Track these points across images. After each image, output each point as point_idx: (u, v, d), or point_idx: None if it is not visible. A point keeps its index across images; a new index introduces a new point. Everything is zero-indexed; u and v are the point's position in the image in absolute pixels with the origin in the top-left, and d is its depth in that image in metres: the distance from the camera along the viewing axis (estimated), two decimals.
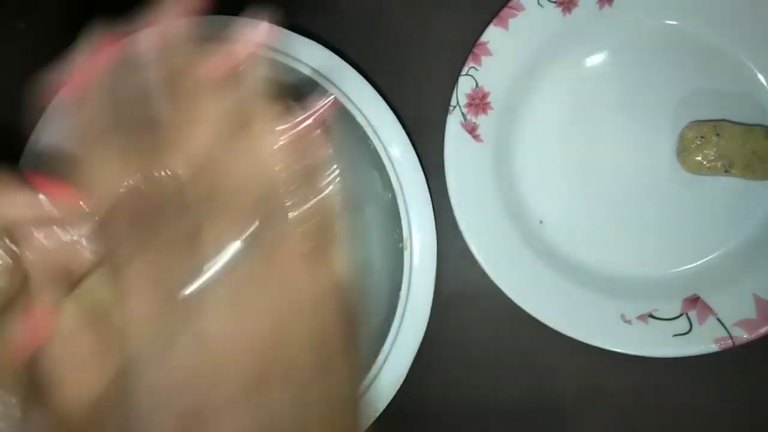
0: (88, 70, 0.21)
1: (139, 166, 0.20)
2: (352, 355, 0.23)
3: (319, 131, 0.23)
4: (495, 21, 0.41)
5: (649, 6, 0.41)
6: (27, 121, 0.42)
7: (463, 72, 0.42)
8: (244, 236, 0.20)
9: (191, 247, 0.20)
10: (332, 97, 0.24)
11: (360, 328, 0.23)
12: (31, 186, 0.21)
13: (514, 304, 0.40)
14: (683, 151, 0.40)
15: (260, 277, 0.21)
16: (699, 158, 0.40)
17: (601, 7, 0.41)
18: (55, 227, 0.21)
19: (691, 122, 0.40)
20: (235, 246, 0.20)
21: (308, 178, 0.22)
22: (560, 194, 0.43)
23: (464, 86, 0.42)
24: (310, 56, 0.40)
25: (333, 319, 0.22)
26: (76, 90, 0.21)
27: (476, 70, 0.42)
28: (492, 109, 0.42)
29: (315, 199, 0.22)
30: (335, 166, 0.23)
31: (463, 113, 0.42)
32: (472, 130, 0.42)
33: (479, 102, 0.42)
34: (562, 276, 0.41)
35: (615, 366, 0.41)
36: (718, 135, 0.39)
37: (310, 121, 0.23)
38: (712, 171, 0.40)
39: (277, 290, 0.21)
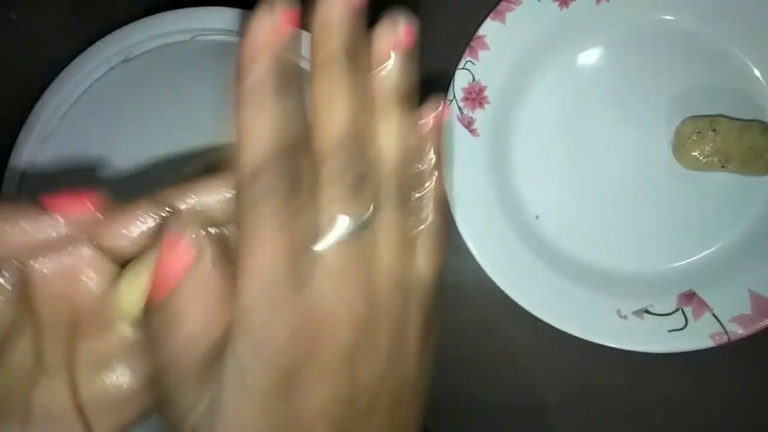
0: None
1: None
2: (425, 344, 0.25)
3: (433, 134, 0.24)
4: (492, 15, 0.41)
5: (646, 1, 0.41)
6: (20, 111, 0.42)
7: (460, 66, 0.42)
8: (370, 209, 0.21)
9: (323, 204, 0.21)
10: (446, 102, 0.25)
11: (433, 325, 0.26)
12: (38, 208, 0.21)
13: (510, 299, 0.40)
14: (679, 147, 0.40)
15: (371, 250, 0.21)
16: (695, 154, 0.40)
17: (598, 2, 0.41)
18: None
19: (687, 118, 0.40)
20: (367, 215, 0.21)
21: (419, 175, 0.24)
22: (556, 189, 0.43)
23: (461, 80, 0.42)
24: (305, 47, 0.40)
25: (416, 311, 0.24)
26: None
27: (473, 64, 0.42)
28: (489, 103, 0.42)
29: (421, 194, 0.24)
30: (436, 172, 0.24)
31: (459, 107, 0.42)
32: (468, 124, 0.42)
33: (476, 96, 0.42)
34: (558, 271, 0.41)
35: (610, 361, 0.41)
36: (714, 130, 0.39)
37: (430, 122, 0.24)
38: (708, 167, 0.40)
39: (380, 268, 0.22)
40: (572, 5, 0.41)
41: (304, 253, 0.20)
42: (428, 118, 0.24)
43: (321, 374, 0.20)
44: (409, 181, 0.23)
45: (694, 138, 0.39)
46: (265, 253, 0.19)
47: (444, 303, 0.43)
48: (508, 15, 0.41)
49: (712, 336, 0.38)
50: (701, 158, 0.40)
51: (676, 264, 0.41)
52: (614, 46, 0.42)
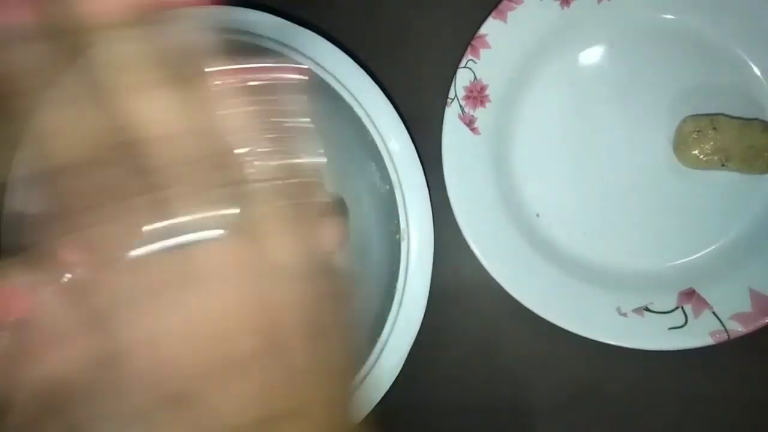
0: None
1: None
2: (343, 328, 0.23)
3: (291, 96, 0.22)
4: (494, 14, 0.41)
5: (647, 0, 0.41)
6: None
7: (462, 64, 0.42)
8: (219, 210, 0.20)
9: (151, 214, 0.19)
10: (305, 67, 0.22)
11: (351, 301, 0.23)
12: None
13: (511, 297, 0.40)
14: (680, 145, 0.40)
15: (244, 252, 0.20)
16: (696, 152, 0.40)
17: (599, 1, 0.41)
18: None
19: (688, 116, 0.41)
20: (212, 216, 0.19)
21: (279, 142, 0.21)
22: (557, 187, 0.43)
23: (462, 79, 0.42)
24: (308, 47, 0.40)
25: (323, 292, 0.22)
26: None
27: (475, 62, 0.42)
28: (490, 102, 0.42)
29: (286, 163, 0.21)
30: (315, 140, 0.22)
31: (461, 106, 0.42)
32: (470, 122, 0.42)
33: (477, 95, 0.42)
34: (559, 268, 0.41)
35: (610, 359, 0.41)
36: (715, 129, 0.39)
37: (269, 76, 0.21)
38: (708, 165, 0.40)
39: (263, 266, 0.20)
40: (573, 4, 0.41)
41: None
42: None
43: None
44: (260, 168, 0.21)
45: (695, 136, 0.40)
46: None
47: (445, 300, 0.43)
48: (510, 14, 0.41)
49: (711, 334, 0.38)
50: (702, 157, 0.40)
51: (676, 262, 0.41)
52: (615, 45, 0.42)
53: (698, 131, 0.40)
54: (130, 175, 0.19)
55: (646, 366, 0.42)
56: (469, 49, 0.42)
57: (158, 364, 0.19)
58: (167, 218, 0.19)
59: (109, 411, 0.19)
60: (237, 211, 0.20)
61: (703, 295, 0.39)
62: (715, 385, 0.42)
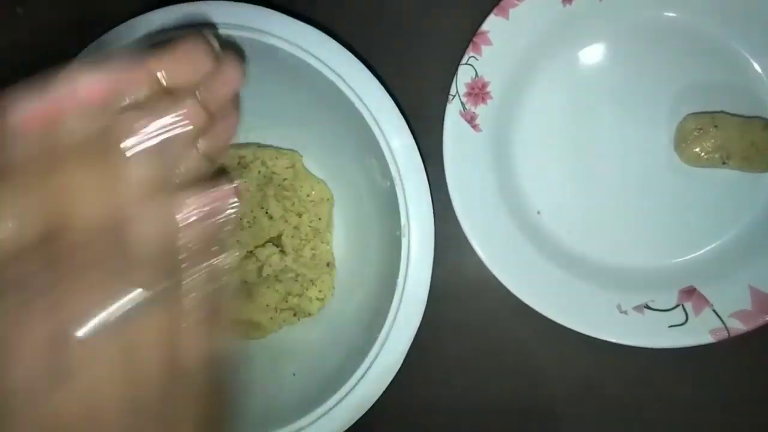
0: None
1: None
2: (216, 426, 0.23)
3: (230, 188, 0.23)
4: (495, 10, 0.41)
5: None
6: None
7: (463, 61, 0.42)
8: (139, 291, 0.20)
9: (87, 292, 0.20)
10: (234, 185, 0.24)
11: (226, 405, 0.24)
12: None
13: (511, 294, 0.40)
14: (681, 143, 0.40)
15: (154, 332, 0.21)
16: (697, 150, 0.40)
17: None
18: None
19: (689, 114, 0.41)
20: (133, 298, 0.20)
21: (207, 240, 0.23)
22: (558, 185, 0.43)
23: (464, 76, 0.42)
24: (310, 43, 0.40)
25: (210, 388, 0.23)
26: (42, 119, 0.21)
27: (476, 59, 0.42)
28: (491, 98, 0.42)
29: (209, 264, 0.22)
30: (235, 236, 0.23)
31: (462, 103, 0.42)
32: (471, 119, 0.42)
33: (478, 92, 0.42)
34: (559, 266, 0.41)
35: (610, 356, 0.41)
36: (716, 127, 0.39)
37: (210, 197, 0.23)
38: (709, 163, 0.40)
39: (166, 350, 0.21)
40: (575, 2, 0.41)
41: (65, 343, 0.19)
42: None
43: None
44: (176, 263, 0.22)
45: (696, 134, 0.40)
46: (23, 345, 0.19)
47: (445, 297, 0.43)
48: (512, 11, 0.41)
49: (712, 332, 0.38)
50: (703, 154, 0.40)
51: (676, 259, 0.41)
52: (616, 42, 0.42)
53: (699, 129, 0.40)
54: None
55: (646, 364, 0.42)
56: (470, 45, 0.42)
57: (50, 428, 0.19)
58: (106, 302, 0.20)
59: None
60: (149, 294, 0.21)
61: (703, 292, 0.39)
62: (714, 382, 0.42)
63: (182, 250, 0.22)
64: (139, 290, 0.20)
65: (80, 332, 0.19)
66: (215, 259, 0.23)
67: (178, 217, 0.22)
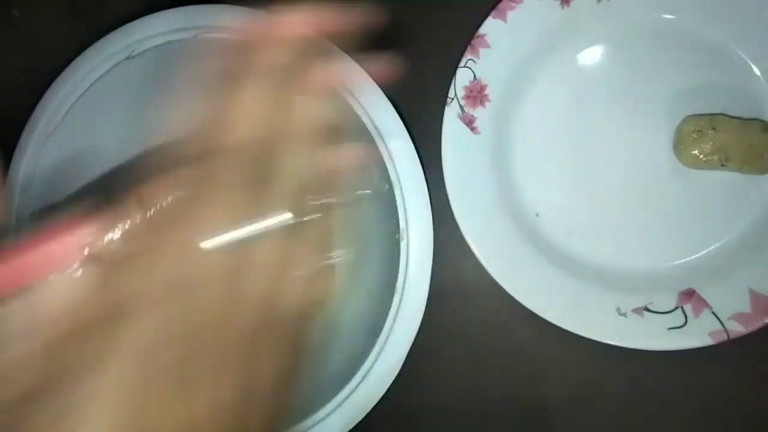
0: None
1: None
2: (297, 380, 0.24)
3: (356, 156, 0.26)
4: (493, 13, 0.41)
5: (647, 0, 0.41)
6: (23, 108, 0.42)
7: (462, 64, 0.42)
8: (290, 216, 0.22)
9: (222, 210, 0.22)
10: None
11: (302, 367, 0.25)
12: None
13: (510, 296, 0.40)
14: (680, 145, 0.40)
15: (268, 264, 0.22)
16: (695, 152, 0.40)
17: (599, 1, 0.41)
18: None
19: (687, 116, 0.41)
20: (284, 220, 0.22)
21: (332, 187, 0.25)
22: (557, 187, 0.43)
23: (462, 78, 0.42)
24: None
25: (295, 343, 0.24)
26: None
27: (474, 62, 0.42)
28: (490, 101, 0.42)
29: (326, 203, 0.25)
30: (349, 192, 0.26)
31: (460, 105, 0.42)
32: (469, 122, 0.42)
33: (477, 94, 0.42)
34: (558, 268, 0.41)
35: (609, 359, 0.41)
36: (714, 129, 0.39)
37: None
38: (708, 165, 0.40)
39: (271, 286, 0.22)
40: (573, 4, 0.41)
41: (190, 251, 0.21)
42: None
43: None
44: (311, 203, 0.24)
45: (695, 136, 0.40)
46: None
47: (444, 300, 0.43)
48: (510, 13, 0.41)
49: (711, 334, 0.38)
50: (701, 156, 0.40)
51: (676, 262, 0.41)
52: (615, 44, 0.42)
53: (698, 131, 0.40)
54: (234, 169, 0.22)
55: (645, 366, 0.42)
56: (468, 48, 0.42)
57: (161, 338, 0.20)
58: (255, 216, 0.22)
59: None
60: (290, 216, 0.23)
61: (702, 295, 0.39)
62: (713, 385, 0.42)
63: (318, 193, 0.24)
64: (289, 215, 0.22)
65: (206, 243, 0.21)
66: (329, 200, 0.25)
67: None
